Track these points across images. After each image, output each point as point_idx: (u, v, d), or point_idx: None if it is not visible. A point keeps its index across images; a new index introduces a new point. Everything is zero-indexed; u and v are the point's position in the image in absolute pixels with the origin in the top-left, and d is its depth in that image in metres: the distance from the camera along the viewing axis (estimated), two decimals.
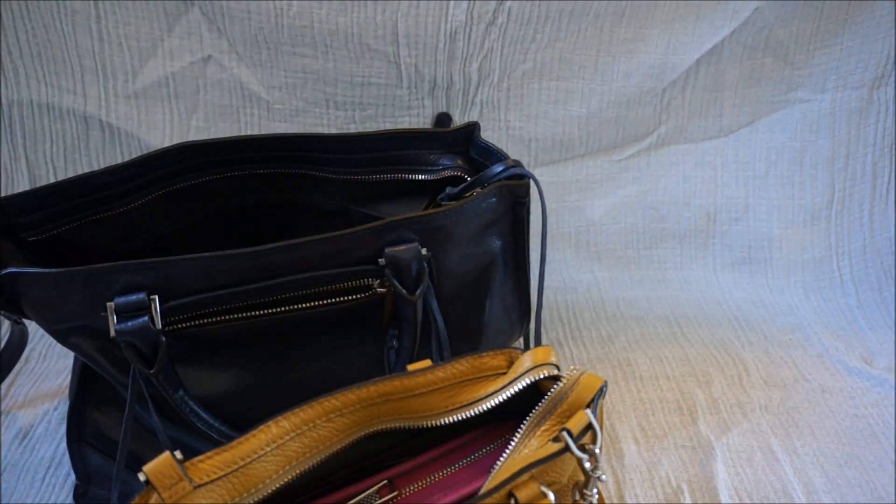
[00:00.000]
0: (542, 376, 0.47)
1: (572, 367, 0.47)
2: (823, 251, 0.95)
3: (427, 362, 0.49)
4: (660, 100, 0.92)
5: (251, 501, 0.44)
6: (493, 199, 0.62)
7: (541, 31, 0.85)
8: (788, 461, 0.71)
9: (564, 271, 0.95)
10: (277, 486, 0.45)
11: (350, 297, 0.57)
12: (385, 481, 0.49)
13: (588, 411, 0.44)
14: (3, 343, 0.64)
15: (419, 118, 0.88)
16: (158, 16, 0.81)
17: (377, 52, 0.83)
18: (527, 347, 0.77)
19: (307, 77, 0.85)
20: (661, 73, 0.89)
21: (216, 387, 0.58)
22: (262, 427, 0.45)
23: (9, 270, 0.53)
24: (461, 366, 0.49)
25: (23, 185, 0.86)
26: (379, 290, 0.58)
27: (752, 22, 0.87)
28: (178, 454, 0.42)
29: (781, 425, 0.75)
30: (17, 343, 0.64)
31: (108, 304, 0.52)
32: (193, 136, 0.86)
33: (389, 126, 0.89)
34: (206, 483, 0.43)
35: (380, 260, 0.56)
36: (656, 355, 0.85)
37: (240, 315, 0.55)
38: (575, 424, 0.44)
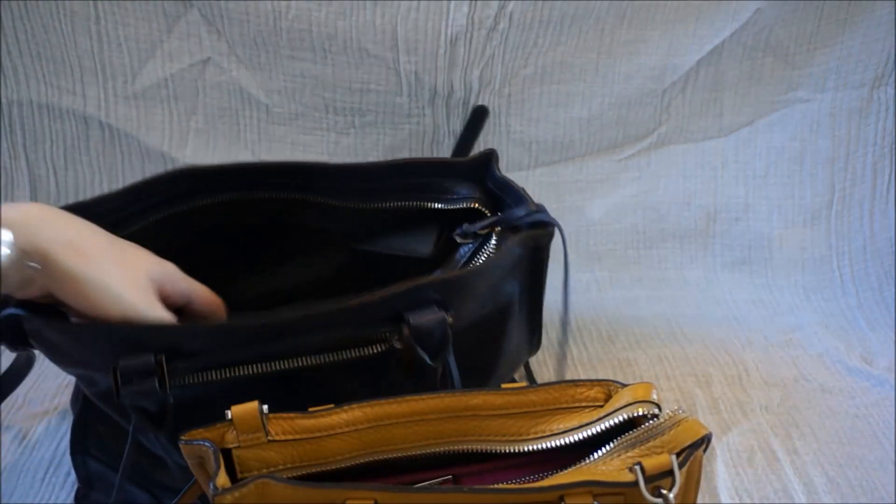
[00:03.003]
0: (639, 413, 0.46)
1: (677, 408, 0.46)
2: (823, 251, 0.95)
3: (522, 383, 0.50)
4: (660, 100, 0.92)
5: (315, 471, 0.46)
6: (518, 251, 0.61)
7: (542, 35, 0.85)
8: (789, 461, 0.71)
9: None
10: (346, 465, 0.46)
11: (366, 351, 0.56)
12: (450, 477, 0.49)
13: (673, 457, 0.43)
14: (9, 365, 0.64)
15: (419, 126, 0.88)
16: (158, 17, 0.81)
17: (376, 57, 0.83)
18: (529, 376, 0.77)
19: (306, 81, 0.85)
20: (661, 75, 0.89)
21: None
22: (345, 407, 0.47)
23: (10, 312, 0.51)
24: (556, 392, 0.49)
25: (22, 186, 0.86)
26: (397, 345, 0.56)
27: (752, 22, 0.87)
28: (265, 408, 0.45)
29: (781, 425, 0.75)
30: (23, 366, 0.64)
31: (113, 367, 0.50)
32: (193, 138, 0.86)
33: (390, 133, 0.88)
34: (280, 441, 0.45)
35: (404, 328, 0.54)
36: (656, 355, 0.85)
37: (249, 371, 0.54)
38: (653, 463, 0.42)
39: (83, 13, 0.80)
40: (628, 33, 0.87)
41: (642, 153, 0.94)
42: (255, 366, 0.54)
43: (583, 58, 0.87)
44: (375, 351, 0.56)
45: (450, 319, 0.55)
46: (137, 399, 0.50)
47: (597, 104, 0.90)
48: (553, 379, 0.77)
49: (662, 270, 0.96)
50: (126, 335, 0.51)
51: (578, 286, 0.95)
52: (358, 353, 0.55)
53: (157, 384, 0.50)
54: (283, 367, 0.54)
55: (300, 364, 0.55)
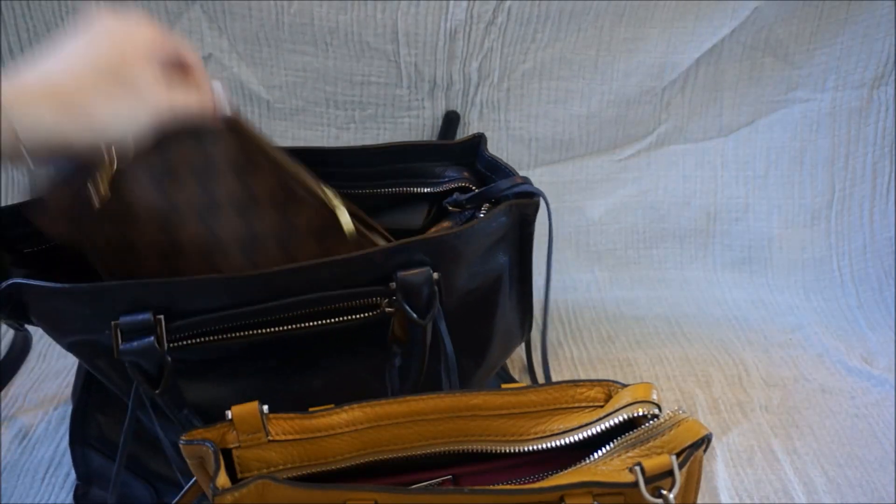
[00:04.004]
0: (639, 413, 0.46)
1: (677, 409, 0.46)
2: (823, 251, 0.95)
3: (522, 383, 0.50)
4: (660, 99, 0.91)
5: (316, 472, 0.46)
6: (503, 219, 0.62)
7: (541, 30, 0.85)
8: (789, 461, 0.71)
9: (564, 271, 0.95)
10: (347, 465, 0.46)
11: (357, 316, 0.57)
12: (449, 477, 0.50)
13: (673, 458, 0.43)
14: (6, 350, 0.64)
15: (419, 119, 0.88)
16: (160, 14, 0.81)
17: (377, 50, 0.83)
18: (531, 371, 0.77)
19: (307, 76, 0.85)
20: (660, 73, 0.89)
21: (219, 397, 0.57)
22: (345, 407, 0.47)
23: (14, 281, 0.52)
24: (556, 392, 0.49)
25: (23, 185, 0.86)
26: (387, 309, 0.57)
27: (751, 21, 0.87)
28: (265, 408, 0.45)
29: (781, 425, 0.75)
30: (20, 350, 0.64)
31: (114, 323, 0.51)
32: None
33: (389, 127, 0.89)
34: (280, 441, 0.45)
35: (391, 284, 0.55)
36: (656, 355, 0.85)
37: (245, 333, 0.54)
38: (653, 464, 0.42)
39: (85, 11, 0.80)
40: (627, 31, 0.87)
41: (642, 153, 0.94)
42: (250, 331, 0.54)
43: (581, 54, 0.87)
44: (367, 315, 0.56)
45: (435, 276, 0.56)
46: (136, 357, 0.51)
47: (596, 101, 0.90)
48: (554, 378, 0.77)
49: (662, 270, 0.96)
50: (124, 293, 0.51)
51: (579, 286, 0.95)
52: (350, 318, 0.56)
53: (155, 342, 0.51)
54: (276, 331, 0.55)
55: (293, 328, 0.55)
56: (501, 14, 0.83)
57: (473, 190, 0.68)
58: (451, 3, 0.81)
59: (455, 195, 0.67)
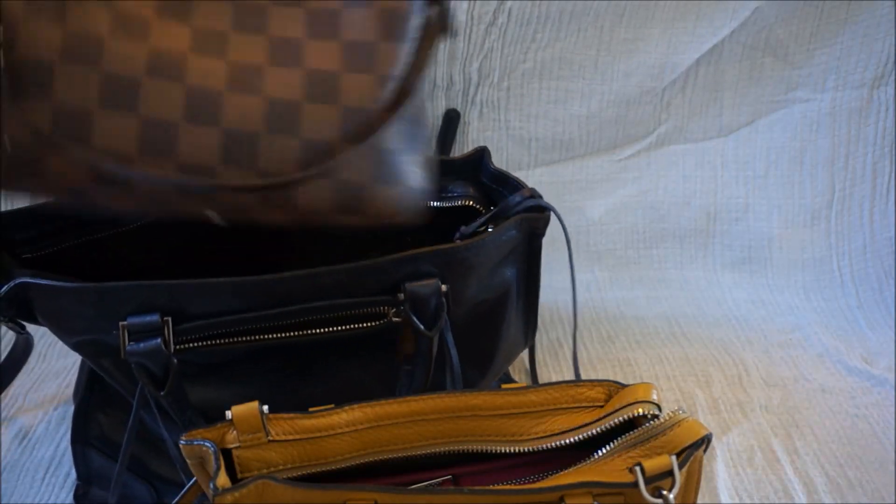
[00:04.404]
0: (639, 413, 0.46)
1: (677, 409, 0.46)
2: (823, 251, 0.95)
3: (522, 383, 0.49)
4: (660, 99, 0.91)
5: (316, 472, 0.46)
6: (514, 232, 0.62)
7: (541, 31, 0.85)
8: (789, 461, 0.71)
9: (564, 271, 0.95)
10: (347, 465, 0.46)
11: (364, 325, 0.57)
12: (449, 477, 0.49)
13: (673, 458, 0.43)
14: (7, 352, 0.64)
15: None
16: None
17: None
18: (533, 372, 0.77)
19: None
20: (661, 73, 0.89)
21: (223, 400, 0.57)
22: (345, 407, 0.46)
23: (21, 280, 0.52)
24: (556, 392, 0.49)
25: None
26: (394, 319, 0.56)
27: (751, 21, 0.87)
28: (265, 408, 0.45)
29: (782, 425, 0.75)
30: (21, 352, 0.64)
31: (122, 323, 0.51)
32: None
33: None
34: (280, 441, 0.45)
35: (399, 294, 0.55)
36: (656, 355, 0.85)
37: (252, 337, 0.54)
38: (653, 464, 0.42)
39: None
40: (627, 31, 0.87)
41: (642, 153, 0.94)
42: (256, 336, 0.54)
43: (582, 55, 0.87)
44: (373, 324, 0.56)
45: (444, 288, 0.55)
46: (142, 358, 0.51)
47: (596, 102, 0.90)
48: (555, 378, 0.77)
49: (662, 270, 0.96)
50: (130, 294, 0.51)
51: (579, 286, 0.95)
52: (356, 326, 0.56)
53: (161, 344, 0.51)
54: (283, 336, 0.55)
55: (300, 334, 0.55)
56: (502, 15, 0.83)
57: (478, 210, 0.67)
58: (452, 4, 0.81)
59: (461, 228, 0.67)
